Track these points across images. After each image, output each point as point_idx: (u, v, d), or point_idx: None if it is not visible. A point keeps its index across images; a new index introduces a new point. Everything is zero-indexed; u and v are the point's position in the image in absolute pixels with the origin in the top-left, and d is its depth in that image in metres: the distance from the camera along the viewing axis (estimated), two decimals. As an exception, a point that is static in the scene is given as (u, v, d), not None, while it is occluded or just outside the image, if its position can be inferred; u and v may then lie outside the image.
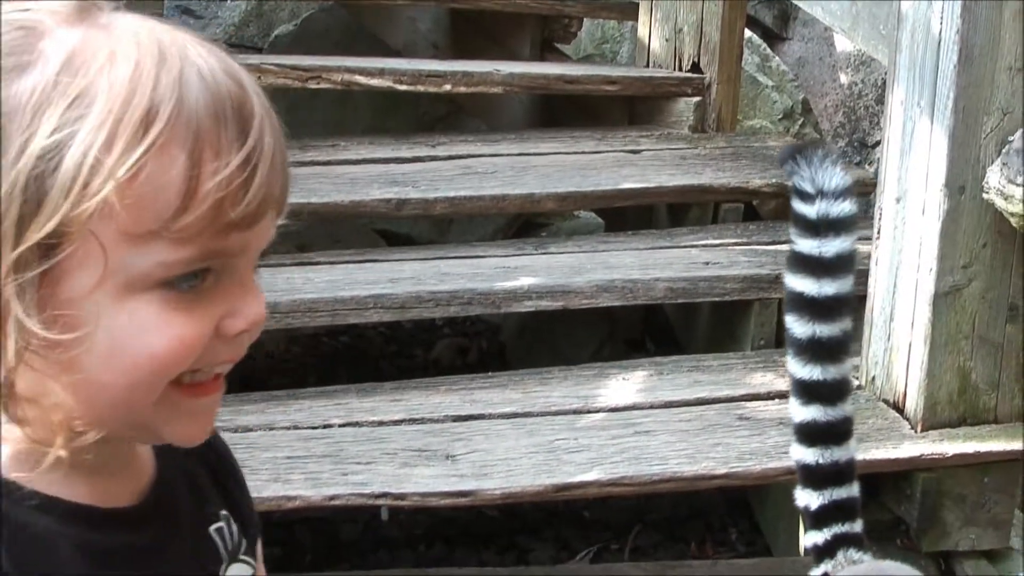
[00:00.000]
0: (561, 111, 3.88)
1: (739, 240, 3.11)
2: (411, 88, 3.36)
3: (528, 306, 2.77)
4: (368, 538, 2.78)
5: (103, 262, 0.83)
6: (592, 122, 3.73)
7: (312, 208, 2.92)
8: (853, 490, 1.84)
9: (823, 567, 1.83)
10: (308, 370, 3.51)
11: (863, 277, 2.49)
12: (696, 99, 3.61)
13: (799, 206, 1.76)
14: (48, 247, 0.82)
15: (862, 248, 2.21)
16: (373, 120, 4.11)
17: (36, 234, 0.81)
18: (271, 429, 2.40)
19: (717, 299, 2.87)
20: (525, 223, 4.00)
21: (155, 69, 0.83)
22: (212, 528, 1.01)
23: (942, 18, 2.31)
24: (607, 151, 3.44)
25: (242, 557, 1.04)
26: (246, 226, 0.86)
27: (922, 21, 2.37)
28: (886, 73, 2.59)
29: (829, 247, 1.75)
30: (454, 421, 2.47)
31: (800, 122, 4.60)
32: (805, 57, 5.09)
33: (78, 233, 0.82)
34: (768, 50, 4.73)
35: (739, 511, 2.88)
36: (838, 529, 1.83)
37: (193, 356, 0.87)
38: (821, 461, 1.81)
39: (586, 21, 4.58)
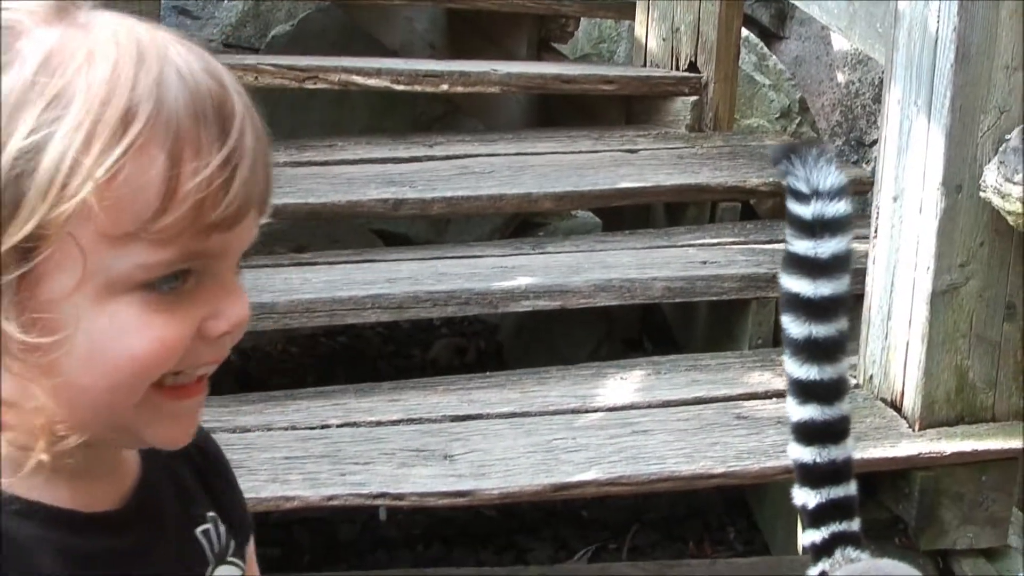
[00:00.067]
0: (558, 111, 3.87)
1: (736, 239, 3.10)
2: (408, 88, 3.36)
3: (526, 306, 2.77)
4: (366, 538, 2.78)
5: (82, 264, 0.82)
6: (589, 122, 3.73)
7: (309, 208, 2.92)
8: (851, 489, 1.84)
9: (821, 566, 1.83)
10: (306, 370, 3.51)
11: (860, 276, 2.49)
12: (693, 98, 3.60)
13: (794, 206, 1.75)
14: (26, 250, 0.81)
15: (859, 247, 2.21)
16: (370, 120, 4.11)
17: (14, 237, 0.80)
18: (269, 429, 2.39)
19: (715, 298, 2.87)
20: (522, 223, 4.00)
21: (134, 69, 0.82)
22: (198, 530, 1.01)
23: (939, 17, 2.30)
24: (604, 150, 3.43)
25: (230, 559, 1.03)
26: (227, 227, 0.85)
27: (919, 20, 2.36)
28: (883, 72, 2.58)
29: (825, 248, 1.74)
30: (452, 421, 2.46)
31: (797, 121, 4.59)
32: (802, 56, 5.08)
33: (56, 235, 0.81)
34: (765, 49, 4.72)
35: (737, 510, 2.88)
36: (836, 528, 1.83)
37: (174, 358, 0.86)
38: (819, 460, 1.81)
39: (583, 21, 4.58)
